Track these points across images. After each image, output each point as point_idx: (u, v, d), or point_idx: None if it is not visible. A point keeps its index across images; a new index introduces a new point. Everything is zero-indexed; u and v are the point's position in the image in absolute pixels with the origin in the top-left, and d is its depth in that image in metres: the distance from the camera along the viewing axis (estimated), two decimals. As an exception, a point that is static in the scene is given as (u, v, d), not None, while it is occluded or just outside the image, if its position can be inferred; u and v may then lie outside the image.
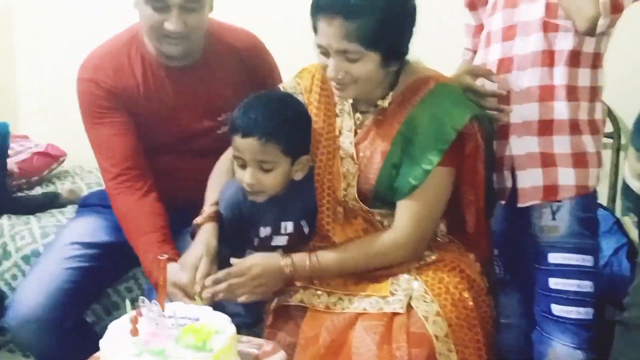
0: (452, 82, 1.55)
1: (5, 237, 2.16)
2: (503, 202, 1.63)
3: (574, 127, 1.53)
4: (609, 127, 2.18)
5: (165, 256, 1.27)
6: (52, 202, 2.40)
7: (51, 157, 2.78)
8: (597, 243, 1.60)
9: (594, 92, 1.54)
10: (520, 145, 1.56)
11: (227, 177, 1.64)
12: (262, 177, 1.51)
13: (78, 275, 1.75)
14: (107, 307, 2.02)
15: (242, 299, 1.49)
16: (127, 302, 1.27)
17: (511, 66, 1.55)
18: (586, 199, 1.55)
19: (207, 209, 1.60)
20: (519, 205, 1.57)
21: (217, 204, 1.60)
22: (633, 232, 1.92)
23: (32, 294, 1.69)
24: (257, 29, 1.92)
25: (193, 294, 1.48)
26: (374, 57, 1.43)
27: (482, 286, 1.54)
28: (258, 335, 1.60)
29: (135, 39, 1.78)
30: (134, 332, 1.17)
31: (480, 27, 1.72)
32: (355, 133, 1.56)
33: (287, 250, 1.57)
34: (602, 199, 2.21)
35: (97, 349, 1.22)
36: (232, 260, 1.52)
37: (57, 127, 2.97)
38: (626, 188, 1.63)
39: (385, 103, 1.52)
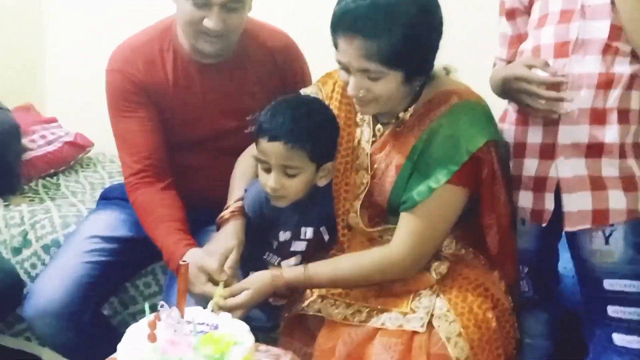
0: (475, 100, 1.49)
1: (25, 225, 2.16)
2: (539, 223, 1.58)
3: (622, 151, 1.48)
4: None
5: (187, 262, 1.25)
6: None
7: (79, 147, 2.78)
8: None
9: None
10: (568, 168, 1.51)
11: (251, 174, 1.62)
12: (286, 182, 1.49)
13: (97, 270, 1.75)
14: (124, 301, 2.02)
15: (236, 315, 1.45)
16: (146, 306, 1.25)
17: (563, 85, 1.49)
18: (638, 223, 1.50)
19: (233, 204, 1.59)
20: (567, 230, 1.53)
21: (241, 199, 1.59)
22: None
23: (50, 287, 1.69)
24: (292, 30, 1.90)
25: (218, 281, 1.46)
26: (397, 76, 1.39)
27: (506, 306, 1.50)
28: (275, 340, 1.59)
29: (169, 33, 1.76)
30: (152, 338, 1.16)
31: (517, 38, 1.67)
32: (372, 143, 1.53)
33: (305, 256, 1.55)
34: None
35: (113, 342, 1.21)
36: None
37: (82, 112, 2.96)
38: None
39: (406, 115, 1.49)
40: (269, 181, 1.49)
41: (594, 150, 1.49)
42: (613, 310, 1.50)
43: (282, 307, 1.58)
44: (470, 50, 1.94)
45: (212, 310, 1.29)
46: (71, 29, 3.12)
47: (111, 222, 1.85)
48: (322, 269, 1.49)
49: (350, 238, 1.56)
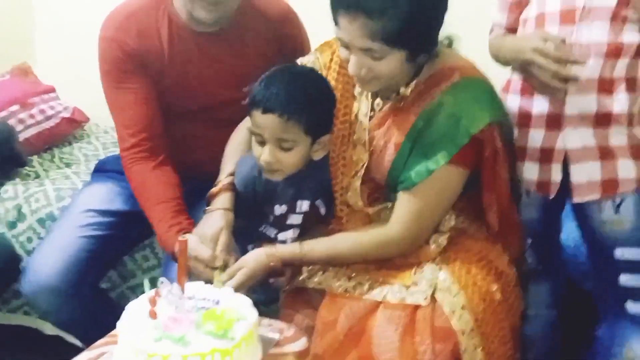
0: (478, 76, 1.44)
1: (19, 199, 2.13)
2: (546, 195, 1.55)
3: (630, 119, 1.46)
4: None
5: (186, 237, 1.23)
6: None
7: (76, 123, 2.74)
8: None
9: None
10: (576, 138, 1.48)
11: (244, 149, 1.59)
12: (281, 156, 1.45)
13: (93, 244, 1.74)
14: (122, 274, 2.01)
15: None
16: (146, 282, 1.23)
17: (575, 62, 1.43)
18: None
19: (224, 179, 1.56)
20: (575, 201, 1.51)
21: (233, 174, 1.56)
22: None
23: (47, 262, 1.67)
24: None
25: (214, 267, 1.44)
26: (400, 54, 1.33)
27: (510, 277, 1.49)
28: (274, 313, 1.58)
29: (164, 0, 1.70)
30: (153, 314, 1.14)
31: (517, 3, 1.62)
32: (370, 118, 1.49)
33: (302, 229, 1.53)
34: None
35: (113, 316, 1.20)
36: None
37: (75, 81, 2.89)
38: None
39: (407, 91, 1.43)
40: (263, 154, 1.45)
41: (602, 119, 1.46)
42: (625, 279, 1.49)
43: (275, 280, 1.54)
44: (470, 19, 1.87)
45: None
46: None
47: (106, 196, 1.82)
48: (318, 246, 1.47)
49: (349, 214, 1.53)
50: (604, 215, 1.49)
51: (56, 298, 1.66)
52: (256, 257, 1.46)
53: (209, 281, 1.38)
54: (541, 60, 1.41)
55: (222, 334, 1.10)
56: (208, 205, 1.55)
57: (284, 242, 1.53)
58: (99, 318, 1.72)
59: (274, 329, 1.32)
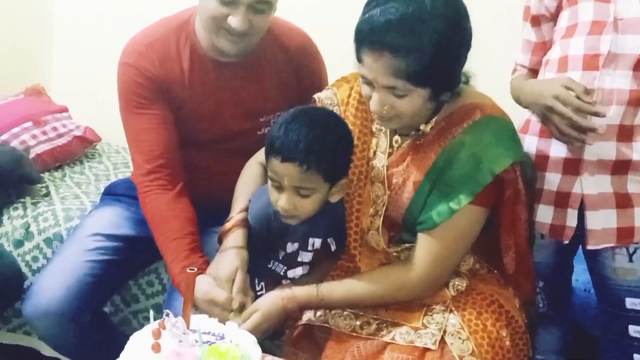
0: (499, 116, 1.41)
1: (28, 218, 2.13)
2: (559, 239, 1.54)
3: None
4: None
5: (194, 269, 1.21)
6: None
7: (87, 141, 2.75)
8: None
9: None
10: (593, 184, 1.46)
11: (257, 184, 1.56)
12: (299, 203, 1.41)
13: (99, 268, 1.71)
14: (126, 298, 1.98)
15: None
16: (151, 313, 1.21)
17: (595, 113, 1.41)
18: None
19: (236, 215, 1.52)
20: (589, 247, 1.49)
21: (246, 210, 1.53)
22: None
23: (51, 286, 1.65)
24: (310, 29, 1.83)
25: (231, 310, 1.42)
26: (423, 92, 1.32)
27: (520, 323, 1.46)
28: (279, 348, 1.55)
29: (186, 27, 1.69)
30: (157, 348, 1.12)
31: (541, 45, 1.62)
32: (388, 155, 1.47)
33: (311, 265, 1.51)
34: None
35: (114, 343, 1.18)
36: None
37: (88, 101, 2.92)
38: None
39: (427, 128, 1.42)
40: (281, 201, 1.41)
41: (621, 166, 1.44)
42: (635, 330, 1.47)
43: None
44: (483, 53, 1.87)
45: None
46: (80, 16, 3.07)
47: (115, 220, 1.80)
48: (335, 288, 1.44)
49: (362, 252, 1.50)
50: (616, 263, 1.48)
51: (56, 324, 1.64)
52: (273, 300, 1.43)
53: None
54: (561, 108, 1.39)
55: (226, 372, 1.08)
56: (220, 241, 1.52)
57: (292, 279, 1.51)
58: (99, 345, 1.71)
59: (277, 367, 1.30)
